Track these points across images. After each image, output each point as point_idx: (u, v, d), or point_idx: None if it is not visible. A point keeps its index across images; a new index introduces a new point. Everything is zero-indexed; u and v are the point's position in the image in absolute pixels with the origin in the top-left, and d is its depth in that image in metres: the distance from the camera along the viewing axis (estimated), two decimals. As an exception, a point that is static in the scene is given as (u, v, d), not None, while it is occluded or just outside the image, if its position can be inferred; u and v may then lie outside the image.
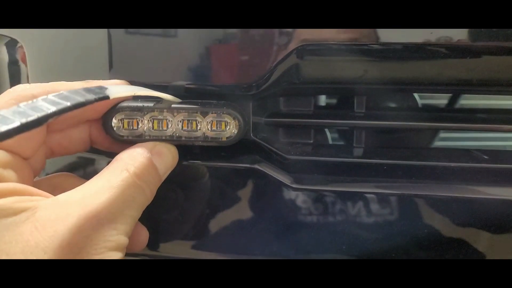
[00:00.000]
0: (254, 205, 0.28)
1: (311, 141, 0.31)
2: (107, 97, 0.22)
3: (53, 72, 0.31)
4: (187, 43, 0.28)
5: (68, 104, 0.19)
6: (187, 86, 0.28)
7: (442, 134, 0.39)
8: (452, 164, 0.29)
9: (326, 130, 0.35)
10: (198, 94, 0.29)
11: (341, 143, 0.36)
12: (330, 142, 0.36)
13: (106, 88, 0.22)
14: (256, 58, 0.27)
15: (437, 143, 0.38)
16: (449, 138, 0.40)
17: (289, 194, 0.28)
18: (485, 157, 0.31)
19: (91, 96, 0.20)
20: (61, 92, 0.20)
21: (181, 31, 0.27)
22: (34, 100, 0.19)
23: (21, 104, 0.18)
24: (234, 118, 0.26)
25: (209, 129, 0.26)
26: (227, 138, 0.26)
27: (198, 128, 0.26)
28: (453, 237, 0.27)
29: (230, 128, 0.26)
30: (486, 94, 0.36)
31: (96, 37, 0.29)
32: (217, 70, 0.28)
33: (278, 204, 0.28)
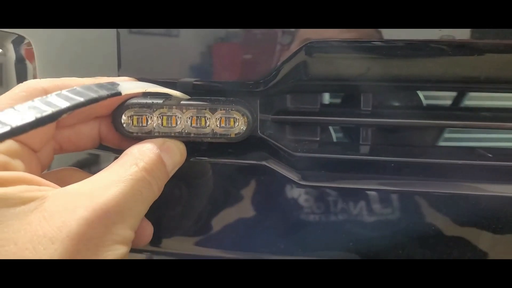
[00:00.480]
0: (261, 201, 0.28)
1: (318, 139, 0.31)
2: (119, 93, 0.22)
3: (61, 69, 0.31)
4: (195, 42, 0.28)
5: (82, 99, 0.19)
6: (195, 83, 0.28)
7: (447, 135, 0.39)
8: (458, 162, 0.30)
9: (331, 128, 0.36)
10: (206, 91, 0.29)
11: (347, 141, 0.36)
12: (335, 140, 0.37)
13: (118, 84, 0.23)
14: (264, 56, 0.28)
15: (442, 144, 0.39)
16: (454, 139, 0.40)
17: (297, 191, 0.28)
18: (490, 155, 0.31)
19: (103, 92, 0.21)
20: (74, 87, 0.20)
21: (189, 30, 0.28)
22: (48, 95, 0.19)
23: (36, 99, 0.18)
24: (242, 115, 0.26)
25: (218, 125, 0.26)
26: (235, 134, 0.26)
27: (207, 124, 0.26)
28: (459, 234, 0.28)
29: (238, 124, 0.26)
30: (490, 92, 0.37)
31: (105, 35, 0.29)
32: (225, 67, 0.28)
33: (286, 200, 0.28)
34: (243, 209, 0.28)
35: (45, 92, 0.23)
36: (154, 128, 0.26)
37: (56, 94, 0.19)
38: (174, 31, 0.28)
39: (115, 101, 0.26)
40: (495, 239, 0.28)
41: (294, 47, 0.27)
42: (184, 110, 0.26)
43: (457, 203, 0.28)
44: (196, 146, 0.28)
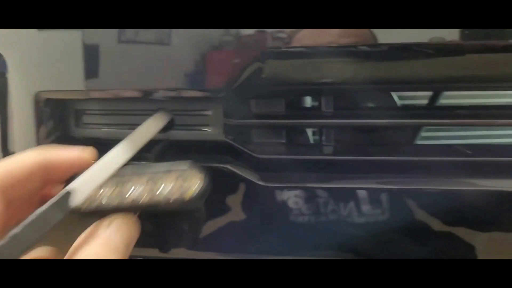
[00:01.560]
0: (225, 204, 0.30)
1: (284, 141, 0.33)
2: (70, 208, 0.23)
3: (34, 81, 0.34)
4: (159, 50, 0.30)
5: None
6: (161, 90, 0.31)
7: (424, 133, 0.40)
8: (429, 159, 0.31)
9: (304, 129, 0.37)
10: (172, 98, 0.31)
11: (319, 142, 0.37)
12: (312, 141, 0.38)
13: (69, 194, 0.23)
14: (225, 63, 0.30)
15: (418, 143, 0.40)
16: (431, 137, 0.41)
17: (259, 192, 0.30)
18: (469, 151, 0.32)
19: (59, 215, 0.23)
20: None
21: (151, 38, 0.30)
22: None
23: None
24: (196, 177, 0.26)
25: (170, 190, 0.25)
26: (189, 197, 0.25)
27: (159, 191, 0.25)
28: (438, 230, 0.29)
29: (192, 187, 0.25)
30: (459, 91, 0.37)
31: (72, 43, 0.31)
32: (189, 75, 0.30)
33: (248, 202, 0.30)
34: (207, 211, 0.30)
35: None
36: (103, 201, 0.25)
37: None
38: (137, 38, 0.30)
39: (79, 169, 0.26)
40: (476, 234, 0.29)
41: (252, 54, 0.29)
42: (135, 179, 0.26)
43: (433, 198, 0.29)
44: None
